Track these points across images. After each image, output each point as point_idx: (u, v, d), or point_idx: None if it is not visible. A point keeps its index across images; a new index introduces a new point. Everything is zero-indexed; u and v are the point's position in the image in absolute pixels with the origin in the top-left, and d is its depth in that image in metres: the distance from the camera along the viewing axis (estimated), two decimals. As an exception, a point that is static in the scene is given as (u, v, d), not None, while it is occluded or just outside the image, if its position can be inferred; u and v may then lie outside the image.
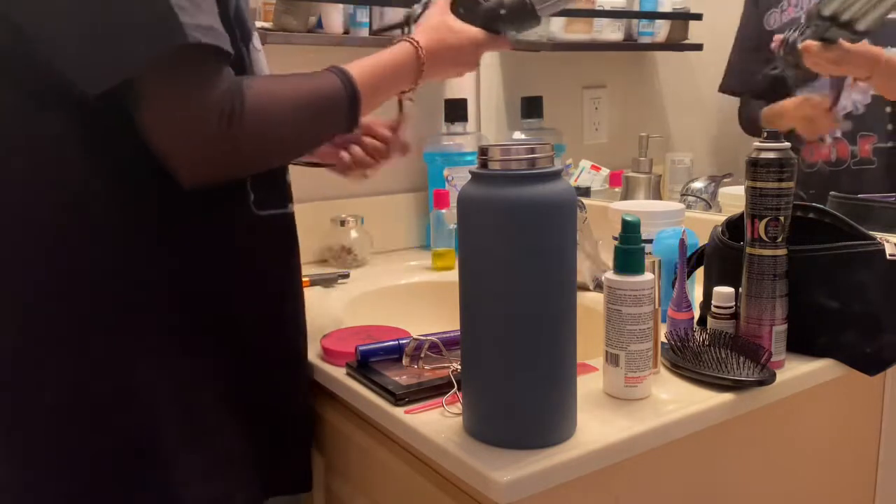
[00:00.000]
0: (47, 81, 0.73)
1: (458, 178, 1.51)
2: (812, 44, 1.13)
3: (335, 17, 1.39)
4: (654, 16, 1.56)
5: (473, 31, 0.94)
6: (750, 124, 1.36)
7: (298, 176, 1.45)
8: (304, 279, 1.28)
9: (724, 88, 1.39)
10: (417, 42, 0.90)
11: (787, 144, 0.82)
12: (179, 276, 0.80)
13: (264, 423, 0.88)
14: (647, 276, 0.76)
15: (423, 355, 0.87)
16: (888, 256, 0.85)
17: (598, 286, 1.16)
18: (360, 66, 0.85)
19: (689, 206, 1.33)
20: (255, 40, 0.86)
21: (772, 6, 1.30)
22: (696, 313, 0.92)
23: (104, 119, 0.74)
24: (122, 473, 0.78)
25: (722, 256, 0.92)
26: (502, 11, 0.93)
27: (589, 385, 0.81)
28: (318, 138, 0.86)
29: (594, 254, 1.18)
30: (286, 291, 0.90)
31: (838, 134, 1.20)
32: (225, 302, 0.84)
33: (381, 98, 0.89)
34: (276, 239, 0.89)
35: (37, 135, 0.75)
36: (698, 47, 1.50)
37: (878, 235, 0.88)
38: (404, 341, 0.89)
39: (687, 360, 0.83)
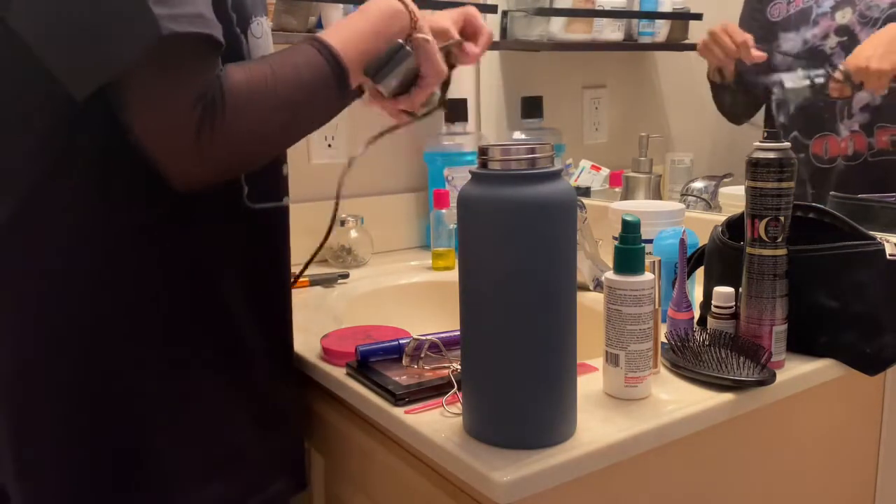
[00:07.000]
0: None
1: (458, 178, 1.51)
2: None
3: (335, 17, 1.39)
4: (654, 16, 1.56)
5: None
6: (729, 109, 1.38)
7: (297, 175, 1.45)
8: (303, 279, 1.29)
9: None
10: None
11: (788, 144, 0.82)
12: (170, 275, 0.78)
13: (255, 420, 0.86)
14: (647, 276, 0.76)
15: (423, 355, 0.87)
16: (888, 256, 0.85)
17: (598, 286, 1.16)
18: (339, 34, 0.79)
19: (689, 206, 1.33)
20: (256, 26, 0.81)
21: None
22: (696, 313, 0.92)
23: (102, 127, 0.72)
24: (121, 476, 0.78)
25: (722, 256, 0.92)
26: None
27: (589, 385, 0.81)
28: (312, 106, 0.77)
29: (594, 254, 1.18)
30: (275, 288, 0.89)
31: (855, 127, 1.20)
32: (214, 298, 0.82)
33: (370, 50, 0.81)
34: (269, 234, 0.87)
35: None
36: (698, 47, 1.50)
37: (878, 235, 0.87)
38: (404, 341, 0.89)
39: (687, 360, 0.83)
